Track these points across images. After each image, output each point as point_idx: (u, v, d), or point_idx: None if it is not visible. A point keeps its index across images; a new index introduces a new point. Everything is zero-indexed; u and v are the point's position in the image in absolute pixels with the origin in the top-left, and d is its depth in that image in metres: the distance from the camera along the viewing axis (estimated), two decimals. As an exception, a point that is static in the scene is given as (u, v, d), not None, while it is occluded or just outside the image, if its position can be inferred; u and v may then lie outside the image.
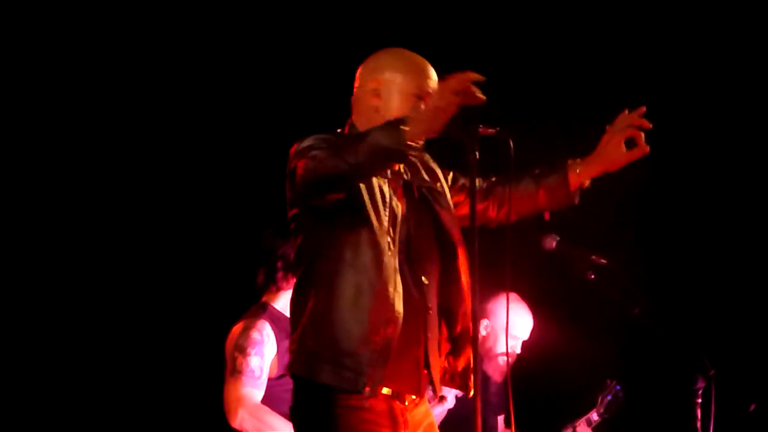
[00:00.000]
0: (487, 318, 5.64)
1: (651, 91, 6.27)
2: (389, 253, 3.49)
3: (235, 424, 4.74)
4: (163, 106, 6.20)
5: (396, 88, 3.62)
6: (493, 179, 3.84)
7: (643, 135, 3.71)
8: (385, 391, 3.50)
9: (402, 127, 3.28)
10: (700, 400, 4.99)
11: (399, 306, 3.48)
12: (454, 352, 3.68)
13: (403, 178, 3.71)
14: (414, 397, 3.60)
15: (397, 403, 3.55)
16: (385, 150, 3.30)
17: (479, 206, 3.78)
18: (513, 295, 5.68)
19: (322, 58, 6.04)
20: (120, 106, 6.17)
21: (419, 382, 3.61)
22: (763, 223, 6.35)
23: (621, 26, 6.36)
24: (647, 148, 3.71)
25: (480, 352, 5.44)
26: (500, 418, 5.77)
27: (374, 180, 3.54)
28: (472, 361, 3.62)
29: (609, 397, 5.70)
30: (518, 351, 5.64)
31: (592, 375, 5.69)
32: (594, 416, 5.70)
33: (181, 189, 6.23)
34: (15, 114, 6.01)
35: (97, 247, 6.18)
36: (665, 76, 6.37)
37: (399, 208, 3.58)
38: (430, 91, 3.60)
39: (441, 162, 3.83)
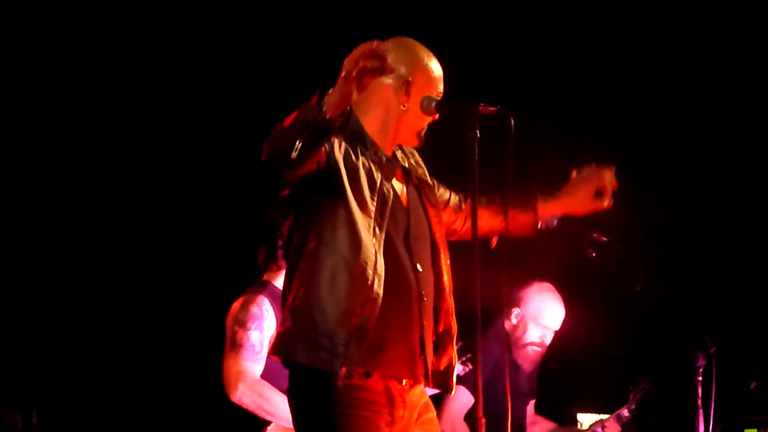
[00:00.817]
0: (518, 306, 5.61)
1: (650, 90, 6.31)
2: (370, 235, 3.48)
3: (235, 398, 4.73)
4: (157, 97, 6.22)
5: (419, 90, 3.63)
6: (465, 195, 3.89)
7: (610, 191, 3.84)
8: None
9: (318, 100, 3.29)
10: (701, 378, 5.00)
11: (378, 288, 3.46)
12: (437, 350, 3.67)
13: (402, 165, 3.71)
14: (404, 382, 3.58)
15: (394, 383, 3.53)
16: (305, 123, 3.29)
17: (452, 218, 3.89)
18: (546, 285, 5.67)
19: (320, 54, 5.99)
20: (113, 101, 6.19)
21: (415, 368, 3.59)
22: (762, 204, 6.35)
23: (622, 23, 6.35)
24: (610, 204, 3.87)
25: (510, 341, 5.49)
26: (530, 405, 5.74)
27: (361, 163, 3.54)
28: (454, 361, 3.67)
29: (641, 394, 5.67)
30: (548, 341, 5.61)
31: (594, 357, 5.67)
32: (624, 412, 5.68)
33: (181, 169, 6.26)
34: (15, 114, 6.02)
35: (98, 227, 6.21)
36: (665, 75, 6.37)
37: (391, 193, 3.58)
38: (441, 90, 3.66)
39: (442, 141, 3.81)
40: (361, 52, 3.31)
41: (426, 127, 3.68)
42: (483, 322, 5.24)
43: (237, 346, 4.75)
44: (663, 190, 6.37)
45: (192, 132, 6.24)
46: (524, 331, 5.63)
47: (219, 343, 4.88)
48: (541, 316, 5.55)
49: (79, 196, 6.18)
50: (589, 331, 5.90)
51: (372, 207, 3.52)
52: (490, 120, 3.51)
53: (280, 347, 3.49)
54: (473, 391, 5.38)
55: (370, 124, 3.64)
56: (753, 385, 5.37)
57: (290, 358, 3.46)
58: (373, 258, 3.47)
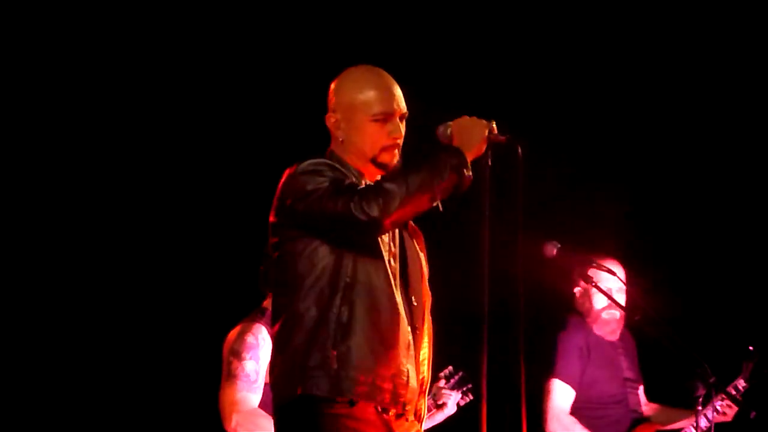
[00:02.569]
0: (577, 285, 5.56)
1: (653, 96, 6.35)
2: (390, 272, 3.51)
3: (230, 429, 4.70)
4: (166, 110, 6.20)
5: (355, 118, 3.58)
6: None
7: None
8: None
9: (459, 149, 3.43)
10: (700, 408, 5.02)
11: (405, 326, 3.51)
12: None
13: None
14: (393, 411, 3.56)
15: (385, 414, 3.51)
16: (460, 172, 3.41)
17: None
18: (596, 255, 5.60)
19: (322, 61, 6.01)
20: (123, 108, 6.17)
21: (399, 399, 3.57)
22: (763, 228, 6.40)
23: (633, 47, 6.41)
24: None
25: (588, 320, 5.47)
26: (641, 391, 5.69)
27: None
28: (423, 413, 3.66)
29: (753, 364, 5.59)
30: (620, 300, 5.50)
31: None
32: (741, 382, 5.52)
33: (183, 192, 6.24)
34: (15, 114, 5.99)
35: (98, 251, 6.17)
36: (668, 78, 6.41)
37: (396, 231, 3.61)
38: (393, 109, 3.58)
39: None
40: None
41: (385, 153, 3.60)
42: (557, 321, 5.46)
43: (232, 376, 4.73)
44: (666, 219, 6.39)
45: (196, 155, 6.24)
46: (591, 300, 5.57)
47: (217, 371, 4.86)
48: (600, 278, 5.43)
49: (79, 221, 6.16)
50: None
51: (386, 239, 3.55)
52: (499, 149, 3.54)
53: (331, 388, 3.44)
54: (571, 383, 5.42)
55: (349, 160, 3.63)
56: (753, 414, 5.40)
57: (344, 397, 3.43)
58: (394, 295, 3.51)
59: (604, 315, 5.56)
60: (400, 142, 3.61)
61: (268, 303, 4.92)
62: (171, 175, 6.22)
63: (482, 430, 3.42)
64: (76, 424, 6.08)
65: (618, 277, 5.25)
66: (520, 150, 3.52)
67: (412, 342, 3.55)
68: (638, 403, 5.63)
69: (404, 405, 3.50)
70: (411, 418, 3.60)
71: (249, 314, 4.92)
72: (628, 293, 5.44)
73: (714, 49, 6.40)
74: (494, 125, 3.53)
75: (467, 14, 6.26)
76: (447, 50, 5.94)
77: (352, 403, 3.42)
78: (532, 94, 6.22)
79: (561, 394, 5.46)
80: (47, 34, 5.97)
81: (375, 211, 3.33)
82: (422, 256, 3.72)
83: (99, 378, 6.11)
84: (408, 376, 3.50)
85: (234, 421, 4.67)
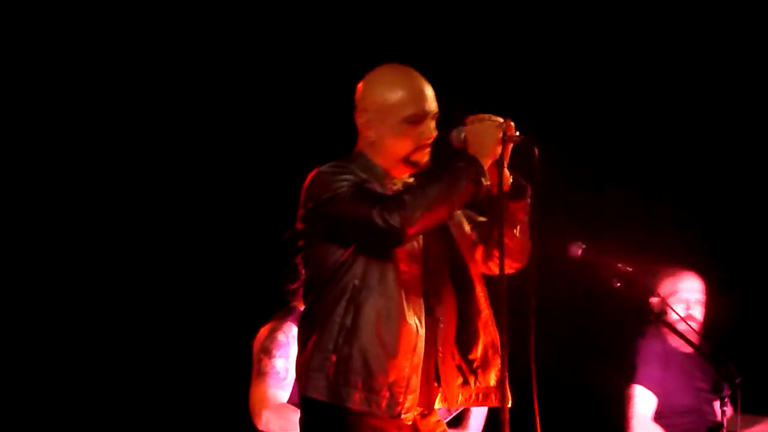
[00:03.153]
0: (655, 295, 5.47)
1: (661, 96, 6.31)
2: (402, 276, 3.51)
3: (261, 425, 4.74)
4: (190, 111, 6.22)
5: (388, 119, 3.56)
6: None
7: None
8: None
9: (475, 158, 3.43)
10: (727, 408, 4.98)
11: (421, 330, 3.50)
12: (482, 367, 3.65)
13: None
14: (419, 409, 3.58)
15: (407, 415, 3.53)
16: (478, 180, 3.43)
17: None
18: (671, 266, 5.60)
19: (340, 62, 6.03)
20: (141, 108, 6.19)
21: (429, 396, 3.60)
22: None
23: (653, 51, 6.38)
24: None
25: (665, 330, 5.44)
26: (717, 404, 5.67)
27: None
28: (503, 373, 3.59)
29: None
30: (698, 315, 5.51)
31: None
32: None
33: (213, 192, 6.26)
34: (17, 114, 6.01)
35: (125, 250, 6.21)
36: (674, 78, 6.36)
37: None
38: (426, 110, 3.57)
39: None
40: None
41: (417, 152, 3.59)
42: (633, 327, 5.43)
43: (262, 373, 4.77)
44: (687, 217, 6.35)
45: (222, 150, 6.26)
46: (667, 311, 5.49)
47: (245, 366, 4.90)
48: (678, 289, 5.48)
49: (101, 218, 6.19)
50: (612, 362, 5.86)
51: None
52: (515, 148, 3.53)
53: (325, 391, 3.46)
54: (653, 389, 5.41)
55: (376, 160, 3.62)
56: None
57: (340, 403, 3.44)
58: (415, 298, 3.51)
59: (679, 327, 5.53)
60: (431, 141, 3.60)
61: (297, 302, 4.95)
62: (199, 174, 6.25)
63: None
64: (104, 423, 6.12)
65: (641, 279, 5.22)
66: (536, 149, 3.49)
67: (435, 336, 3.55)
68: (713, 413, 5.54)
69: (400, 414, 3.48)
70: (435, 417, 3.62)
71: (279, 312, 4.96)
72: (654, 293, 5.41)
73: (737, 44, 6.35)
74: (511, 123, 3.51)
75: (482, 12, 6.26)
76: (462, 48, 5.93)
77: (349, 412, 3.44)
78: (549, 92, 6.20)
79: (643, 401, 5.42)
80: (49, 34, 6.01)
81: (396, 222, 3.35)
82: (455, 234, 3.69)
83: (123, 377, 6.16)
84: (408, 384, 3.47)
85: (264, 418, 4.71)
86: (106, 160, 6.17)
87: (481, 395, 3.65)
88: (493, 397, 3.63)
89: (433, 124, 3.59)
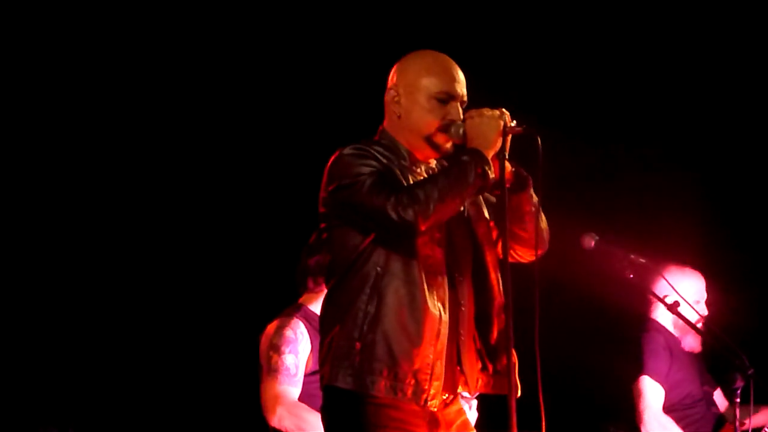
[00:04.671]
0: (668, 294, 5.51)
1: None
2: (425, 263, 3.50)
3: (274, 422, 4.76)
4: (196, 108, 6.24)
5: (417, 94, 3.59)
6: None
7: None
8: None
9: (479, 150, 3.45)
10: (739, 400, 4.95)
11: (445, 316, 3.50)
12: (494, 354, 3.63)
13: None
14: (447, 395, 3.57)
15: (433, 402, 3.51)
16: (485, 173, 3.44)
17: None
18: (679, 265, 5.60)
19: (353, 61, 6.03)
20: (151, 107, 6.21)
21: (453, 380, 3.58)
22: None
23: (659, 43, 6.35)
24: None
25: (675, 326, 5.46)
26: (717, 397, 5.66)
27: (400, 176, 3.56)
28: (513, 358, 3.59)
29: None
30: (705, 312, 5.54)
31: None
32: None
33: (218, 189, 6.27)
34: (20, 115, 6.03)
35: (131, 248, 6.23)
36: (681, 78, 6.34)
37: None
38: (455, 92, 3.58)
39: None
40: None
41: (440, 134, 3.59)
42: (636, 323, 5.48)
43: (273, 371, 4.78)
44: (702, 209, 6.33)
45: (236, 146, 6.27)
46: (686, 313, 5.52)
47: (253, 364, 4.90)
48: (693, 292, 5.49)
49: (112, 215, 6.21)
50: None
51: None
52: (517, 139, 3.52)
53: (351, 378, 3.45)
54: (660, 380, 5.41)
55: (401, 139, 3.63)
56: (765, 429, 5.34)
57: (365, 391, 3.44)
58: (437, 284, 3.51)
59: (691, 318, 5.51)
60: None
61: (304, 299, 4.96)
62: (207, 173, 6.27)
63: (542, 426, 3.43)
64: (118, 416, 6.15)
65: (654, 270, 5.19)
66: (539, 139, 3.48)
67: (457, 320, 3.55)
68: (715, 404, 5.60)
69: (426, 400, 3.48)
70: (451, 397, 3.60)
71: (284, 310, 4.95)
72: (668, 285, 5.38)
73: (740, 45, 6.34)
74: (507, 115, 3.51)
75: (486, 4, 6.26)
76: (465, 40, 5.91)
77: (374, 400, 3.43)
78: (554, 83, 6.20)
79: (653, 393, 5.42)
80: (52, 35, 6.02)
81: (410, 216, 3.37)
82: (475, 216, 3.68)
83: (130, 375, 6.17)
84: (432, 371, 3.48)
85: (278, 415, 4.73)
86: (113, 158, 6.20)
87: (496, 382, 3.64)
88: (504, 385, 3.58)
89: (460, 109, 3.59)
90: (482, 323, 3.62)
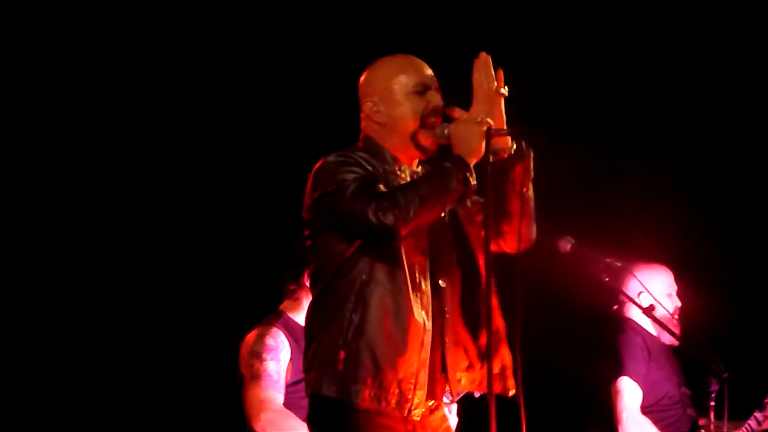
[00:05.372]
0: (641, 290, 5.49)
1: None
2: (410, 271, 3.51)
3: (258, 427, 4.74)
4: (186, 110, 6.21)
5: (394, 96, 3.62)
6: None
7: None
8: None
9: (461, 157, 3.44)
10: (713, 403, 5.01)
11: (429, 324, 3.51)
12: (487, 355, 3.59)
13: None
14: (431, 402, 3.59)
15: (417, 411, 3.53)
16: (466, 180, 3.44)
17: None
18: (647, 262, 5.64)
19: (339, 62, 6.03)
20: (137, 108, 6.17)
21: (437, 388, 3.60)
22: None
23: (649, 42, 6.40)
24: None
25: (654, 323, 5.42)
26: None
27: (384, 182, 3.57)
28: (507, 361, 3.65)
29: None
30: (679, 303, 5.59)
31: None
32: None
33: (203, 196, 6.24)
34: (18, 114, 5.99)
35: (115, 255, 6.18)
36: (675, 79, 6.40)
37: None
38: (429, 81, 3.63)
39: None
40: None
41: (423, 134, 3.61)
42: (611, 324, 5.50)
43: (256, 377, 4.77)
44: (678, 211, 6.39)
45: (218, 159, 6.25)
46: (666, 310, 5.53)
47: (231, 372, 4.92)
48: (665, 286, 5.56)
49: (91, 223, 6.17)
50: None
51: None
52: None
53: (335, 387, 3.46)
54: (638, 381, 5.42)
55: (385, 144, 3.66)
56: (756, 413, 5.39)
57: (350, 400, 3.44)
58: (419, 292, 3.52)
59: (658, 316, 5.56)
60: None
61: (285, 306, 4.97)
62: (188, 177, 6.22)
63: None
64: (81, 426, 6.11)
65: (630, 273, 5.26)
66: (525, 143, 3.53)
67: (442, 327, 3.56)
68: (690, 405, 5.61)
69: (410, 409, 3.49)
70: (436, 404, 3.61)
71: (265, 318, 4.96)
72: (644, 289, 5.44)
73: (725, 45, 6.40)
74: (491, 121, 3.51)
75: (473, 8, 6.30)
76: (450, 40, 5.94)
77: (358, 409, 3.45)
78: (539, 84, 6.23)
79: (631, 393, 5.42)
80: (49, 34, 5.99)
81: (390, 221, 3.38)
82: (464, 220, 3.71)
83: (107, 380, 6.12)
84: (417, 380, 3.48)
85: (264, 420, 4.72)
86: (91, 161, 6.16)
87: (485, 381, 3.62)
88: (498, 384, 3.63)
89: (438, 94, 3.63)
90: (473, 323, 3.62)
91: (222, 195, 6.24)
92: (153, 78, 6.14)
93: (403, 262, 3.49)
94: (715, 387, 4.96)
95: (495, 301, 3.63)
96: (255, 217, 6.14)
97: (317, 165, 3.57)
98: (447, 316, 3.59)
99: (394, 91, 3.61)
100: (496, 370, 3.60)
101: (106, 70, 6.08)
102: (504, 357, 3.65)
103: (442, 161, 3.49)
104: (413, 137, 3.61)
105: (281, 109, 6.25)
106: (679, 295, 5.64)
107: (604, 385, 5.50)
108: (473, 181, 3.47)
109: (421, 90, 3.61)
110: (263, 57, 6.24)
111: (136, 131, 6.17)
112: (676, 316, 5.51)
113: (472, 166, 3.47)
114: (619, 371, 5.45)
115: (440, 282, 3.59)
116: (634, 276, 5.31)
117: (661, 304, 5.29)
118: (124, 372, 6.12)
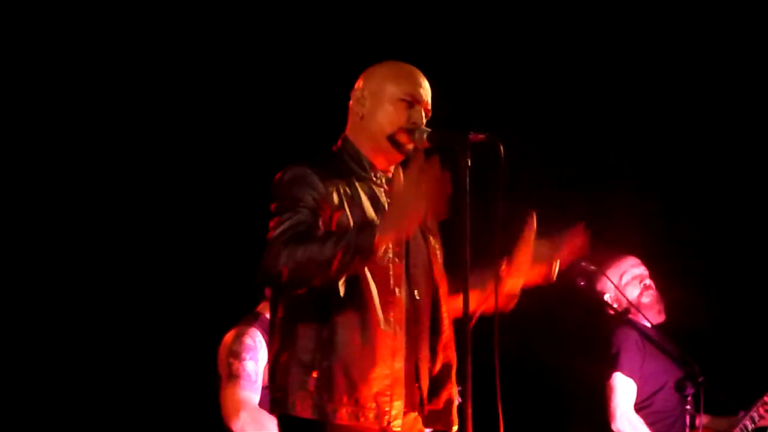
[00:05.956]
0: (609, 291, 5.58)
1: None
2: (386, 274, 3.52)
3: (236, 427, 4.76)
4: (158, 111, 6.19)
5: (382, 96, 3.62)
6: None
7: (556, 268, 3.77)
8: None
9: (372, 232, 3.31)
10: (689, 407, 5.04)
11: (400, 334, 3.50)
12: (435, 387, 3.64)
13: None
14: (408, 412, 3.59)
15: (396, 422, 3.52)
16: (355, 255, 3.31)
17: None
18: (610, 256, 5.66)
19: (324, 65, 6.05)
20: (120, 108, 6.16)
21: (411, 396, 3.59)
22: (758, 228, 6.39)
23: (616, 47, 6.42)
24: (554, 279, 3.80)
25: (641, 313, 5.47)
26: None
27: (362, 193, 3.58)
28: (454, 396, 3.65)
29: None
30: (653, 287, 5.62)
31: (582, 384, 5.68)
32: None
33: (177, 195, 6.22)
34: (15, 114, 6.00)
35: (92, 253, 6.16)
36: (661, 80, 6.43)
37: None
38: (420, 97, 3.63)
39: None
40: None
41: (402, 133, 3.61)
42: (603, 326, 5.52)
43: (234, 377, 4.80)
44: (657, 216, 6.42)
45: (192, 159, 6.24)
46: (633, 295, 5.59)
47: (209, 372, 4.92)
48: (628, 273, 5.59)
49: (71, 222, 6.15)
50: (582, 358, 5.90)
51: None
52: (480, 147, 3.53)
53: (310, 408, 3.43)
54: (633, 376, 5.43)
55: (361, 146, 3.66)
56: (741, 413, 5.42)
57: (326, 419, 3.43)
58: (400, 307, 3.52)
59: (644, 300, 5.57)
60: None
61: (262, 307, 4.97)
62: (170, 176, 6.22)
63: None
64: (58, 425, 6.10)
65: (606, 277, 5.28)
66: (501, 147, 3.50)
67: (416, 338, 3.55)
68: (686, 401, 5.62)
69: (389, 421, 3.48)
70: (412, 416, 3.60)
71: (242, 319, 4.97)
72: (619, 293, 5.46)
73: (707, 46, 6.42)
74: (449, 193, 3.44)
75: (451, 13, 6.32)
76: (431, 48, 5.95)
77: (335, 427, 3.43)
78: (514, 92, 6.26)
79: (625, 390, 5.43)
80: (47, 34, 5.99)
81: (266, 271, 3.37)
82: (432, 244, 3.69)
83: (85, 379, 6.11)
84: (392, 392, 3.48)
85: (242, 420, 4.74)
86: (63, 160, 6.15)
87: (430, 416, 3.64)
88: (442, 421, 3.64)
89: (423, 115, 3.63)
90: (430, 353, 3.63)
91: (199, 194, 6.23)
92: (132, 79, 6.14)
93: (371, 273, 3.46)
94: (690, 390, 4.99)
95: (450, 335, 3.66)
96: (234, 217, 6.14)
97: (278, 176, 3.55)
98: (421, 327, 3.59)
99: (384, 92, 3.62)
100: (440, 405, 3.62)
101: (93, 70, 6.10)
102: (451, 392, 3.65)
103: (356, 229, 3.39)
104: (390, 137, 3.61)
105: (251, 110, 6.27)
106: (652, 278, 5.67)
107: (596, 382, 5.51)
108: (380, 254, 3.38)
109: (410, 101, 3.62)
110: (250, 60, 6.25)
111: (107, 133, 6.17)
112: (656, 304, 5.56)
113: (389, 240, 3.38)
114: (614, 367, 5.46)
115: (415, 293, 3.59)
116: (606, 276, 5.35)
117: (623, 294, 5.34)
118: (101, 371, 6.12)
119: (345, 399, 3.43)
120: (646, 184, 6.47)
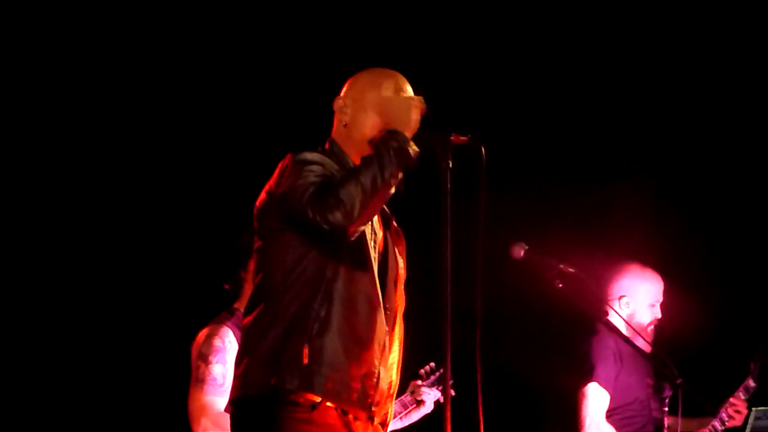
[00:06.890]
0: (626, 294, 5.55)
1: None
2: (375, 272, 3.54)
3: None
4: (142, 113, 6.21)
5: (363, 103, 3.64)
6: None
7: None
8: (329, 404, 3.48)
9: (396, 138, 3.43)
10: (667, 409, 5.03)
11: (383, 327, 3.53)
12: (377, 405, 3.61)
13: None
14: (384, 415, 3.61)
15: (347, 417, 3.52)
16: (394, 157, 3.41)
17: None
18: (638, 264, 5.64)
19: (312, 68, 6.04)
20: (111, 109, 6.20)
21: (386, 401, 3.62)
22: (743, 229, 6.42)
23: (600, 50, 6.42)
24: None
25: (630, 328, 5.41)
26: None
27: None
28: (389, 417, 3.65)
29: (760, 362, 5.57)
30: (659, 315, 5.58)
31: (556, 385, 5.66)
32: (750, 383, 5.52)
33: (158, 191, 6.24)
34: (15, 114, 6.00)
35: (82, 252, 6.21)
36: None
37: (380, 233, 3.65)
38: (404, 90, 3.66)
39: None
40: None
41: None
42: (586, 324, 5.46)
43: (200, 381, 4.75)
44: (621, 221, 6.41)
45: (191, 151, 6.27)
46: (641, 315, 5.56)
47: (185, 370, 4.88)
48: (651, 295, 5.55)
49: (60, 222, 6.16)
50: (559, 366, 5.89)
51: (368, 238, 3.57)
52: (461, 149, 3.54)
53: (300, 383, 3.43)
54: (607, 386, 5.40)
55: (348, 151, 3.67)
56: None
57: (313, 392, 3.43)
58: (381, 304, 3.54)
59: (649, 330, 5.56)
60: None
61: (239, 304, 4.92)
62: (153, 176, 6.25)
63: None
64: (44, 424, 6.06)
65: (583, 279, 5.26)
66: (483, 149, 3.52)
67: (387, 344, 3.57)
68: (657, 409, 5.52)
69: (371, 406, 3.51)
70: (376, 421, 3.59)
71: (217, 316, 4.92)
72: (594, 294, 5.44)
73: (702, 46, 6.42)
74: (421, 102, 3.53)
75: (451, 13, 6.31)
76: (413, 51, 5.94)
77: (314, 407, 3.42)
78: (496, 97, 6.26)
79: (597, 400, 5.39)
80: (47, 34, 6.00)
81: (339, 219, 3.36)
82: (401, 260, 3.73)
83: (78, 378, 6.15)
84: (378, 378, 3.51)
85: (203, 425, 4.69)
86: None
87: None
88: None
89: None
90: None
91: (177, 191, 6.25)
92: (122, 80, 6.17)
93: (370, 256, 3.51)
94: (668, 392, 4.98)
95: (399, 356, 3.67)
96: (212, 213, 6.13)
97: (284, 161, 3.55)
98: (388, 333, 3.60)
99: (366, 99, 3.64)
100: (376, 421, 3.59)
101: (93, 70, 6.13)
102: (387, 410, 3.64)
103: (379, 141, 3.47)
104: (372, 141, 3.57)
105: (237, 113, 6.29)
106: (662, 306, 5.64)
107: (570, 388, 5.47)
108: (413, 149, 3.45)
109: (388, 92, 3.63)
110: (244, 62, 6.28)
111: (92, 131, 6.17)
112: (651, 327, 5.52)
113: (409, 137, 3.47)
114: (589, 377, 5.43)
115: (387, 305, 3.60)
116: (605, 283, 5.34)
117: (616, 311, 5.33)
118: (92, 369, 6.16)
119: (331, 375, 3.43)
120: (646, 185, 6.44)
